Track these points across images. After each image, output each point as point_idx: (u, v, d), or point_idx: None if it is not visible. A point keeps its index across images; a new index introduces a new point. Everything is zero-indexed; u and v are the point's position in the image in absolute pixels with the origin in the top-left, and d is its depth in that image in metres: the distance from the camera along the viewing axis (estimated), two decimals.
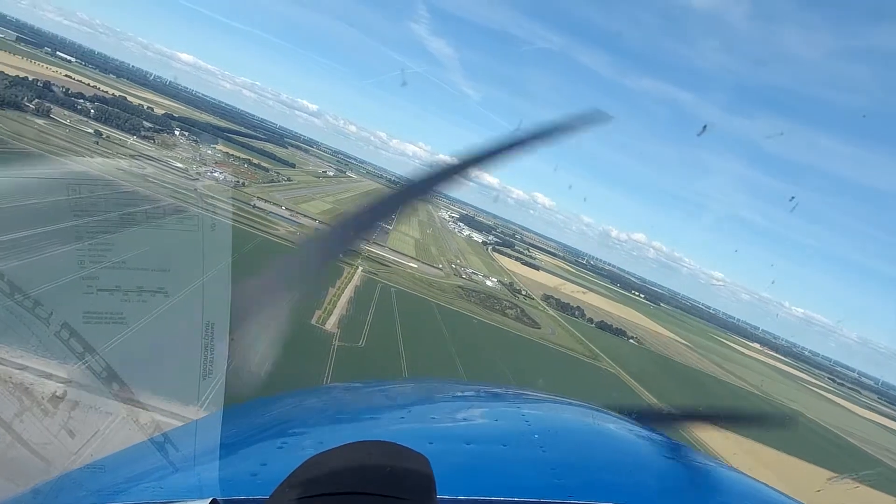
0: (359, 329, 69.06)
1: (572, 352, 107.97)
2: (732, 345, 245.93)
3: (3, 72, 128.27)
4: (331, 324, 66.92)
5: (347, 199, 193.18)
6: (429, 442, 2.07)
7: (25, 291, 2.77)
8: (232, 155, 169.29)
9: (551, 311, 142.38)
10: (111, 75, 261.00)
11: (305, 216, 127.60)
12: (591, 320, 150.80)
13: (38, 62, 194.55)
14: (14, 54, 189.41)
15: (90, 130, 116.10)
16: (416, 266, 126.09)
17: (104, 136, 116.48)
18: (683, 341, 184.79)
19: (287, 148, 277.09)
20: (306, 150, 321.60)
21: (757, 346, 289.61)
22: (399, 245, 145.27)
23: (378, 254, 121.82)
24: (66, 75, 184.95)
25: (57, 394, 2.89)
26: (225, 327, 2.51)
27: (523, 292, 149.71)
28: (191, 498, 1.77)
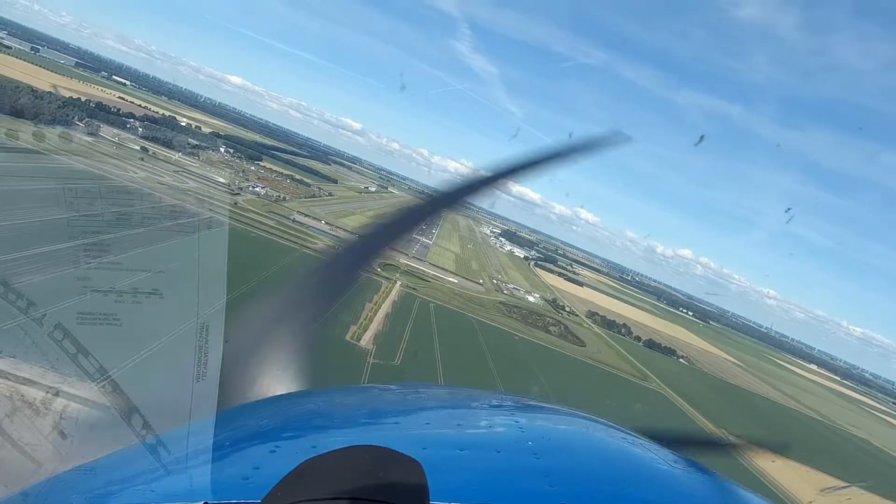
0: (395, 346, 66.02)
1: (620, 371, 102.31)
2: (788, 365, 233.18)
3: (58, 94, 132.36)
4: (366, 340, 64.04)
5: (387, 213, 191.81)
6: (422, 447, 2.06)
7: (19, 291, 2.78)
8: (275, 171, 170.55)
9: (596, 329, 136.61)
10: (163, 97, 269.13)
11: (344, 230, 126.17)
12: (638, 338, 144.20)
13: (94, 85, 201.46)
14: (72, 78, 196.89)
15: (136, 147, 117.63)
16: (456, 281, 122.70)
17: (149, 153, 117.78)
18: (736, 361, 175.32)
19: (330, 165, 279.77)
20: (349, 167, 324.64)
21: (814, 367, 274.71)
22: (439, 260, 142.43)
23: (417, 268, 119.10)
24: (119, 97, 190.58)
25: (49, 394, 2.87)
26: (220, 330, 2.59)
27: (567, 308, 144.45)
28: (182, 501, 1.78)
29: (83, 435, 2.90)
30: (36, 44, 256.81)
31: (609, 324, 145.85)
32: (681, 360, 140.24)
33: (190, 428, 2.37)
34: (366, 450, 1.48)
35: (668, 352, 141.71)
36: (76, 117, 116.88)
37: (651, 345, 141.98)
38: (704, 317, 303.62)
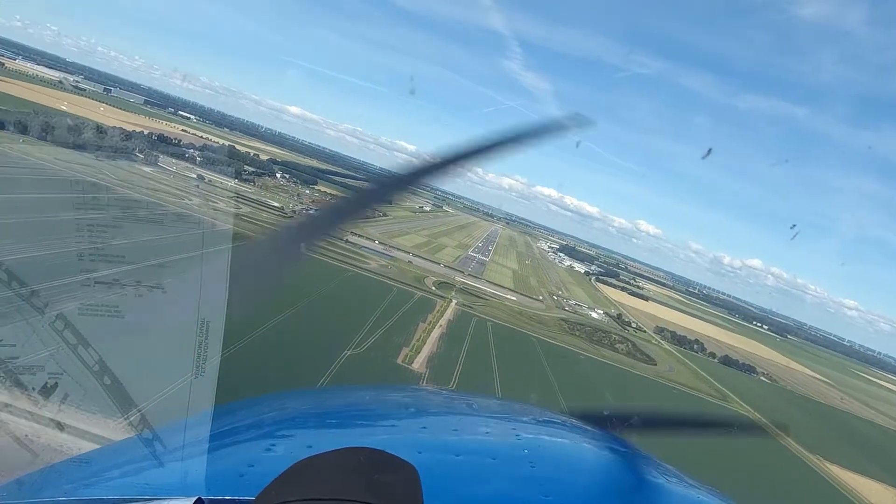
0: (450, 368, 60.97)
1: (696, 392, 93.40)
2: (879, 381, 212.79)
3: (122, 128, 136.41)
4: (418, 363, 59.35)
5: (441, 232, 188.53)
6: (418, 451, 2.06)
7: (23, 280, 2.84)
8: (329, 194, 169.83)
9: (666, 345, 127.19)
10: (225, 129, 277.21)
11: (398, 249, 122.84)
12: (713, 355, 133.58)
13: (160, 120, 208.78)
14: (139, 114, 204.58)
15: (194, 175, 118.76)
16: (514, 298, 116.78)
17: (206, 181, 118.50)
18: (822, 377, 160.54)
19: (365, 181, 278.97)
20: None
21: None
22: (496, 277, 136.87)
23: (473, 286, 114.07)
24: (182, 129, 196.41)
25: (48, 385, 2.86)
26: (220, 327, 2.58)
27: (633, 324, 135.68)
28: (176, 495, 1.77)
29: (80, 426, 2.85)
30: (109, 85, 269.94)
31: (680, 340, 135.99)
32: (762, 377, 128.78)
33: (187, 423, 2.37)
34: (362, 451, 1.48)
35: (747, 369, 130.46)
36: (137, 149, 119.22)
37: (727, 361, 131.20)
38: (781, 330, 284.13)
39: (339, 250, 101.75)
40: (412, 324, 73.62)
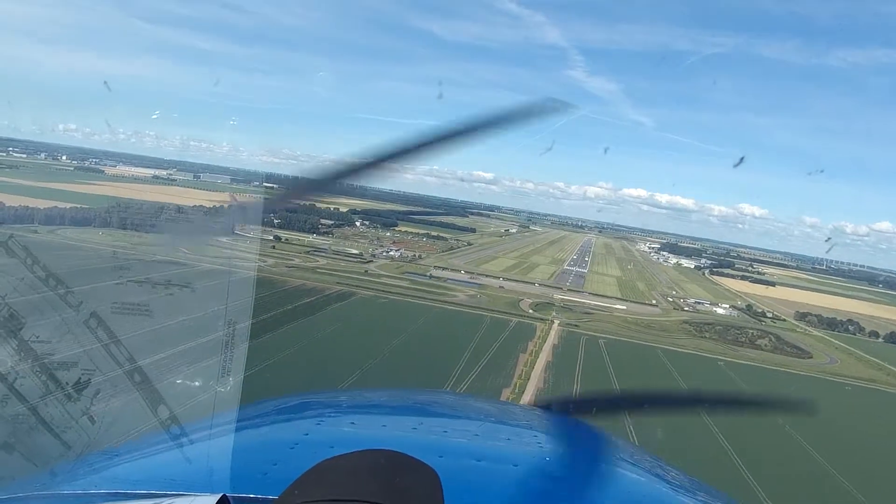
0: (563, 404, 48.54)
1: (875, 384, 74.49)
2: None
3: (202, 205, 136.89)
4: (524, 402, 47.35)
5: (531, 251, 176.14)
6: (439, 455, 2.06)
7: (59, 278, 2.98)
8: (410, 232, 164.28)
9: (815, 332, 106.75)
10: None
11: (487, 276, 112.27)
12: (874, 334, 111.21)
13: (244, 194, 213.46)
14: (224, 192, 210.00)
15: (270, 237, 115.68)
16: (624, 307, 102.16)
17: (282, 240, 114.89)
18: None
19: (468, 217, 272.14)
20: (488, 216, 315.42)
21: None
22: (599, 287, 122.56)
23: (576, 301, 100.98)
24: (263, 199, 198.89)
25: (81, 380, 2.98)
26: (247, 329, 2.71)
27: (769, 314, 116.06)
28: (202, 492, 1.79)
29: (111, 420, 2.92)
30: (199, 173, 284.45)
31: (829, 323, 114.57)
32: None
33: (213, 421, 2.43)
34: (384, 453, 1.48)
35: None
36: (214, 223, 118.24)
37: (894, 339, 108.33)
38: None
39: (421, 287, 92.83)
40: (511, 357, 62.47)
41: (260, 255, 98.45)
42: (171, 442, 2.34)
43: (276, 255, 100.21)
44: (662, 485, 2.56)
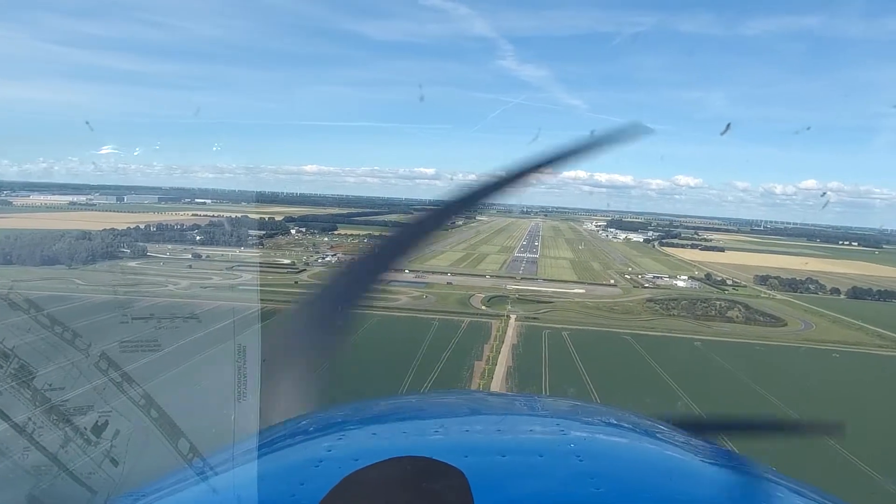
0: None
1: (860, 347, 67.66)
2: None
3: (113, 228, 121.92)
4: None
5: (479, 241, 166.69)
6: (463, 455, 2.02)
7: (64, 324, 2.96)
8: (350, 235, 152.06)
9: (779, 296, 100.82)
10: (243, 203, 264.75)
11: (434, 272, 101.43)
12: (836, 290, 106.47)
13: (173, 212, 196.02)
14: (148, 212, 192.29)
15: (189, 256, 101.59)
16: (583, 291, 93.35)
17: (203, 257, 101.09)
18: None
19: (412, 213, 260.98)
20: None
21: None
22: (554, 272, 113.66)
23: (531, 290, 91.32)
24: (193, 214, 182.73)
25: (98, 423, 2.94)
26: (257, 349, 2.67)
27: (728, 282, 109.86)
28: None
29: (133, 460, 2.86)
30: (123, 194, 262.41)
31: (789, 284, 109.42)
32: None
33: (234, 447, 2.39)
34: (409, 461, 1.47)
35: (885, 296, 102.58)
36: (124, 245, 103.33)
37: (857, 294, 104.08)
38: (873, 243, 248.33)
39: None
40: (464, 367, 51.93)
41: (169, 276, 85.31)
42: (195, 475, 2.27)
43: (192, 275, 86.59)
44: (696, 458, 2.41)
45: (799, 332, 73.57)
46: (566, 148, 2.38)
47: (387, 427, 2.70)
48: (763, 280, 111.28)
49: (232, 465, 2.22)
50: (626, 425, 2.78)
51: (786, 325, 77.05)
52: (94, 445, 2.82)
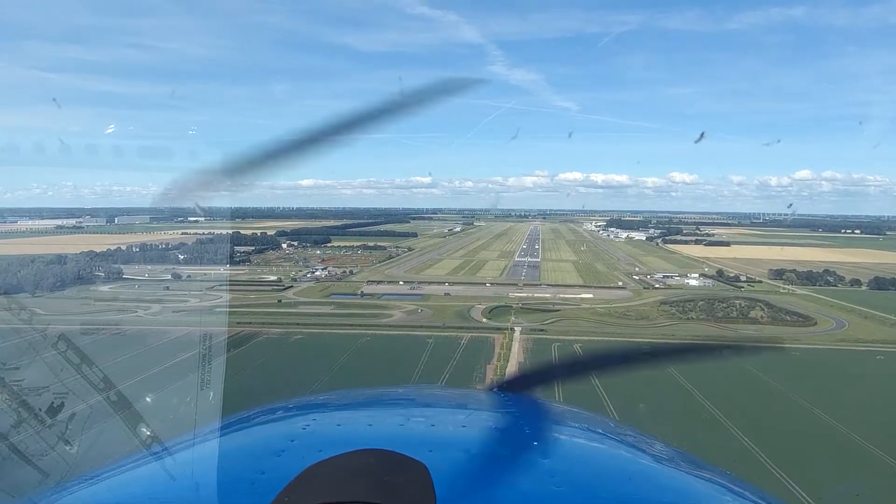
0: None
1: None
2: None
3: (92, 250, 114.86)
4: None
5: (478, 246, 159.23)
6: (428, 450, 2.00)
7: (22, 304, 2.80)
8: (344, 247, 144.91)
9: (799, 290, 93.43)
10: (237, 220, 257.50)
11: (431, 283, 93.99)
12: (856, 282, 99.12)
13: (163, 232, 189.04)
14: (138, 233, 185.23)
15: (168, 277, 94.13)
16: (591, 295, 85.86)
17: (184, 277, 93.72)
18: None
19: (409, 222, 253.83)
20: (430, 219, 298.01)
21: None
22: (558, 276, 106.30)
23: (536, 297, 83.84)
24: (182, 233, 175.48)
25: (54, 405, 2.86)
26: (223, 339, 2.73)
27: (742, 278, 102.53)
28: None
29: (88, 444, 2.79)
30: (114, 216, 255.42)
31: (808, 277, 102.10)
32: None
33: (196, 435, 2.35)
34: (371, 453, 1.46)
35: None
36: (98, 269, 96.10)
37: (880, 284, 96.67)
38: (874, 230, 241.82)
39: (349, 311, 73.69)
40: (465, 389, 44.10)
41: (141, 301, 78.02)
42: (154, 460, 2.22)
43: (167, 298, 79.16)
44: (647, 458, 2.46)
45: (832, 331, 66.26)
46: (386, 103, 2.20)
47: (352, 418, 2.63)
48: (779, 274, 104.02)
49: (192, 452, 2.16)
50: (586, 425, 2.78)
51: (815, 323, 69.73)
52: (49, 427, 2.65)
